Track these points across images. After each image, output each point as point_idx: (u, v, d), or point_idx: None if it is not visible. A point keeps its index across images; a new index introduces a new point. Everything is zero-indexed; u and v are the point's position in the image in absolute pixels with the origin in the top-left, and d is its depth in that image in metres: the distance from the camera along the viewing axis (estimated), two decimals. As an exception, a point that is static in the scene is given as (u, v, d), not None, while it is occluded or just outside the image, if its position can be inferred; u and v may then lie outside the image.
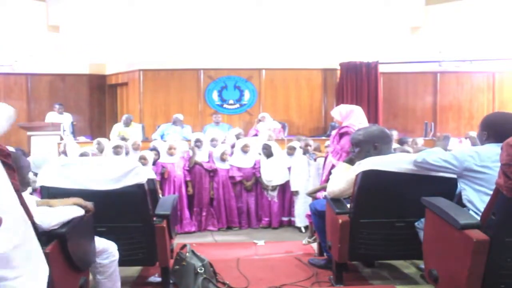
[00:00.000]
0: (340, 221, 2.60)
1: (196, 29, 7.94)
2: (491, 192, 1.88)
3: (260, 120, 7.29)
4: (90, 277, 2.34)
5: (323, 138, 6.64)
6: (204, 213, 4.90)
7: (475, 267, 1.83)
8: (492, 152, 2.10)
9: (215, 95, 8.47)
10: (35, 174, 2.86)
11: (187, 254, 2.94)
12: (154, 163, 4.77)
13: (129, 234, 2.67)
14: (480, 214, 1.97)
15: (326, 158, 3.95)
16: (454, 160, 2.19)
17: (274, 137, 6.10)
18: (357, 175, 2.55)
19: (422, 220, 2.37)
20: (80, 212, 2.06)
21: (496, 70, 8.48)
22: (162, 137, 6.79)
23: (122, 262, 2.50)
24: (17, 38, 7.86)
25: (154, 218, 2.77)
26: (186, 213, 4.84)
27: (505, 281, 1.85)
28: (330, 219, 2.85)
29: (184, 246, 3.11)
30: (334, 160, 3.61)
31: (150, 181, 3.00)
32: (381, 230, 2.61)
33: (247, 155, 5.05)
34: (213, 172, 4.96)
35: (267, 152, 5.03)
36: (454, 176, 2.31)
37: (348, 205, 2.69)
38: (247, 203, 5.01)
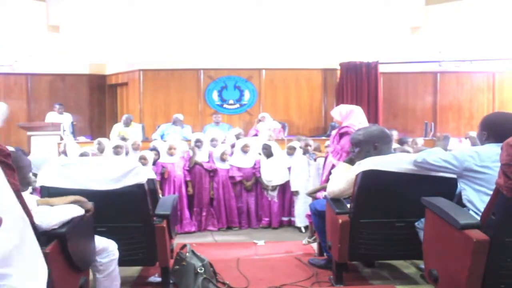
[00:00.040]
0: (340, 221, 2.60)
1: (196, 29, 7.94)
2: (491, 192, 1.88)
3: (260, 120, 7.29)
4: (90, 277, 2.35)
5: (323, 138, 6.64)
6: (204, 213, 4.90)
7: (475, 267, 1.83)
8: (492, 152, 2.10)
9: (215, 95, 8.48)
10: (35, 175, 2.85)
11: (187, 254, 2.94)
12: (154, 163, 4.77)
13: (129, 234, 2.67)
14: (480, 214, 1.97)
15: (326, 158, 3.95)
16: (454, 160, 2.19)
17: (274, 137, 6.11)
18: (357, 175, 2.55)
19: (422, 220, 2.37)
20: (80, 211, 2.06)
21: (496, 70, 8.49)
22: (162, 137, 6.80)
23: (122, 262, 2.50)
24: (17, 38, 7.86)
25: (154, 218, 2.77)
26: (186, 213, 4.84)
27: (505, 281, 1.85)
28: (330, 219, 2.85)
29: (184, 246, 3.11)
30: (334, 160, 3.61)
31: (150, 181, 3.00)
32: (381, 230, 2.61)
33: (247, 155, 5.05)
34: (213, 172, 4.96)
35: (267, 152, 5.03)
36: (454, 176, 2.31)
37: (348, 205, 2.69)
38: (247, 203, 5.01)
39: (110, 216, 2.57)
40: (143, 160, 4.50)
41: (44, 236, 1.82)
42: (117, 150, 4.77)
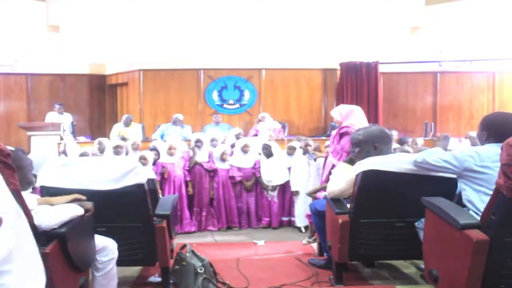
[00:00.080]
0: (340, 221, 2.60)
1: (196, 29, 7.94)
2: (491, 192, 1.88)
3: (260, 120, 7.29)
4: (90, 276, 2.35)
5: (323, 138, 6.64)
6: (204, 213, 4.90)
7: (475, 267, 1.83)
8: (492, 152, 2.10)
9: (215, 95, 8.47)
10: (34, 176, 2.85)
11: (187, 254, 2.94)
12: (154, 163, 4.76)
13: (129, 234, 2.67)
14: (480, 214, 1.97)
15: (326, 158, 3.95)
16: (454, 160, 2.19)
17: (274, 137, 6.11)
18: (357, 175, 2.55)
19: (422, 220, 2.37)
20: (80, 211, 2.06)
21: (496, 70, 8.48)
22: (162, 137, 6.79)
23: (122, 262, 2.50)
24: (17, 38, 7.86)
25: (154, 218, 2.77)
26: (186, 213, 4.84)
27: (505, 281, 1.85)
28: (330, 219, 2.85)
29: (184, 246, 3.11)
30: (334, 160, 3.61)
31: (150, 181, 3.00)
32: (381, 230, 2.61)
33: (247, 155, 5.04)
34: (213, 172, 4.96)
35: (267, 152, 5.03)
36: (454, 176, 2.31)
37: (348, 205, 2.69)
38: (247, 203, 5.01)
39: (110, 216, 2.57)
40: (143, 160, 4.50)
41: (44, 236, 1.82)
42: (117, 150, 4.77)
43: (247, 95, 8.49)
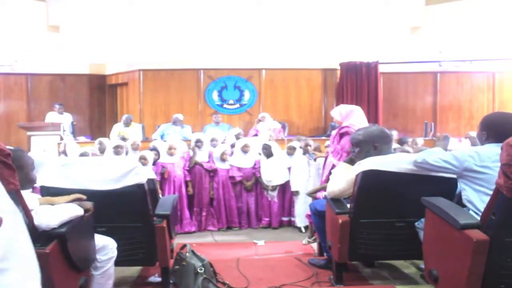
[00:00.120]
0: (340, 221, 2.60)
1: (196, 29, 7.94)
2: (491, 192, 1.88)
3: (260, 120, 7.29)
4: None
5: (323, 138, 6.64)
6: (204, 213, 4.90)
7: (475, 267, 1.83)
8: (492, 152, 2.10)
9: (215, 95, 8.47)
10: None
11: (187, 254, 2.94)
12: (154, 163, 4.76)
13: (129, 234, 2.67)
14: (480, 214, 1.97)
15: (326, 158, 3.95)
16: (454, 160, 2.19)
17: (274, 137, 6.10)
18: (357, 175, 2.55)
19: (422, 220, 2.37)
20: (80, 211, 2.06)
21: (496, 70, 8.48)
22: (162, 137, 6.79)
23: (122, 262, 2.50)
24: (17, 38, 7.86)
25: (154, 218, 2.77)
26: (186, 213, 4.84)
27: (505, 281, 1.85)
28: (330, 219, 2.85)
29: (184, 246, 3.11)
30: (334, 160, 3.61)
31: (150, 181, 3.00)
32: (381, 230, 2.61)
33: (247, 155, 5.04)
34: (213, 172, 4.96)
35: (267, 152, 5.03)
36: (454, 176, 2.31)
37: (348, 205, 2.69)
38: (247, 203, 5.01)
39: (110, 216, 2.57)
40: (143, 160, 4.50)
41: (44, 236, 1.82)
42: (117, 150, 4.77)
43: (247, 95, 8.49)
